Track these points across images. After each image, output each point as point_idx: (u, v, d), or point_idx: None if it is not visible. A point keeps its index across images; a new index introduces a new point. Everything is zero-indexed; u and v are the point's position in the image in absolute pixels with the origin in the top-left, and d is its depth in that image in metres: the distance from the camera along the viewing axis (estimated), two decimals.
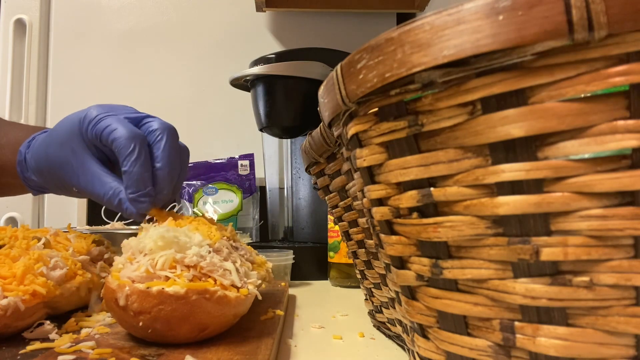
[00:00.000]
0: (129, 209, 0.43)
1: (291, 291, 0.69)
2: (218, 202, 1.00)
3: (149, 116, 0.47)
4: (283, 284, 0.65)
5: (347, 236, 0.44)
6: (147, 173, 0.43)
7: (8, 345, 0.35)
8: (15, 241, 0.42)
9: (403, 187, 0.22)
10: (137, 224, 0.48)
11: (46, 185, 0.52)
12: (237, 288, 0.37)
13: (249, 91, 0.88)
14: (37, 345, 0.34)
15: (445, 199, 0.20)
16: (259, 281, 0.41)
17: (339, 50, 0.87)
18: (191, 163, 1.04)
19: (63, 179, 0.48)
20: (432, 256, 0.22)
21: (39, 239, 0.43)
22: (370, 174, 0.24)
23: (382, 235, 0.25)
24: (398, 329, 0.36)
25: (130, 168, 0.42)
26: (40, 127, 0.57)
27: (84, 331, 0.38)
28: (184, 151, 0.49)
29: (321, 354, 0.39)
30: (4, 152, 0.56)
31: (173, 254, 0.36)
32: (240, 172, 1.02)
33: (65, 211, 1.14)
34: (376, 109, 0.22)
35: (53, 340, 0.36)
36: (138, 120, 0.46)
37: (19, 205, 1.13)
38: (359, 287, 0.72)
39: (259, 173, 1.05)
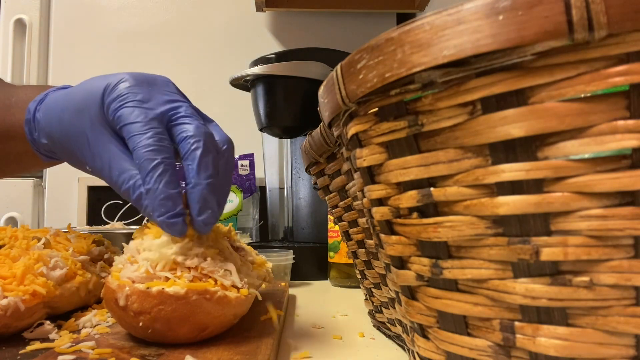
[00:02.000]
0: (149, 208, 0.35)
1: (291, 291, 0.69)
2: None
3: (186, 116, 0.38)
4: (283, 284, 0.65)
5: (347, 236, 0.44)
6: (174, 191, 0.34)
7: (8, 345, 0.35)
8: (15, 241, 0.42)
9: (403, 187, 0.22)
10: (138, 224, 0.48)
11: (57, 152, 0.43)
12: (238, 288, 0.37)
13: (249, 91, 0.88)
14: (37, 345, 0.34)
15: (445, 199, 0.20)
16: (259, 281, 0.41)
17: (339, 50, 0.87)
18: None
19: (76, 152, 0.39)
20: (432, 256, 0.22)
21: (39, 239, 0.43)
22: (370, 174, 0.24)
23: (382, 235, 0.25)
24: (398, 329, 0.36)
25: (154, 185, 0.34)
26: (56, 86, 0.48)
27: (84, 331, 0.38)
28: (228, 163, 0.40)
29: (321, 354, 0.39)
30: (12, 111, 0.47)
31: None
32: (240, 172, 1.02)
33: (65, 211, 1.14)
34: (376, 109, 0.22)
35: (53, 340, 0.36)
36: (170, 118, 0.38)
37: (19, 205, 1.13)
38: (359, 287, 0.72)
39: (259, 173, 1.05)
